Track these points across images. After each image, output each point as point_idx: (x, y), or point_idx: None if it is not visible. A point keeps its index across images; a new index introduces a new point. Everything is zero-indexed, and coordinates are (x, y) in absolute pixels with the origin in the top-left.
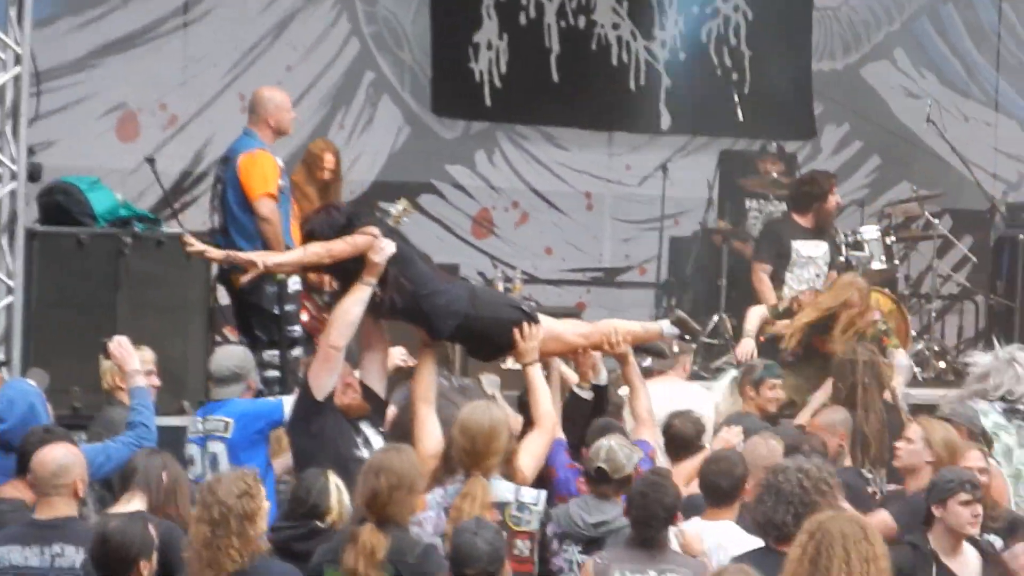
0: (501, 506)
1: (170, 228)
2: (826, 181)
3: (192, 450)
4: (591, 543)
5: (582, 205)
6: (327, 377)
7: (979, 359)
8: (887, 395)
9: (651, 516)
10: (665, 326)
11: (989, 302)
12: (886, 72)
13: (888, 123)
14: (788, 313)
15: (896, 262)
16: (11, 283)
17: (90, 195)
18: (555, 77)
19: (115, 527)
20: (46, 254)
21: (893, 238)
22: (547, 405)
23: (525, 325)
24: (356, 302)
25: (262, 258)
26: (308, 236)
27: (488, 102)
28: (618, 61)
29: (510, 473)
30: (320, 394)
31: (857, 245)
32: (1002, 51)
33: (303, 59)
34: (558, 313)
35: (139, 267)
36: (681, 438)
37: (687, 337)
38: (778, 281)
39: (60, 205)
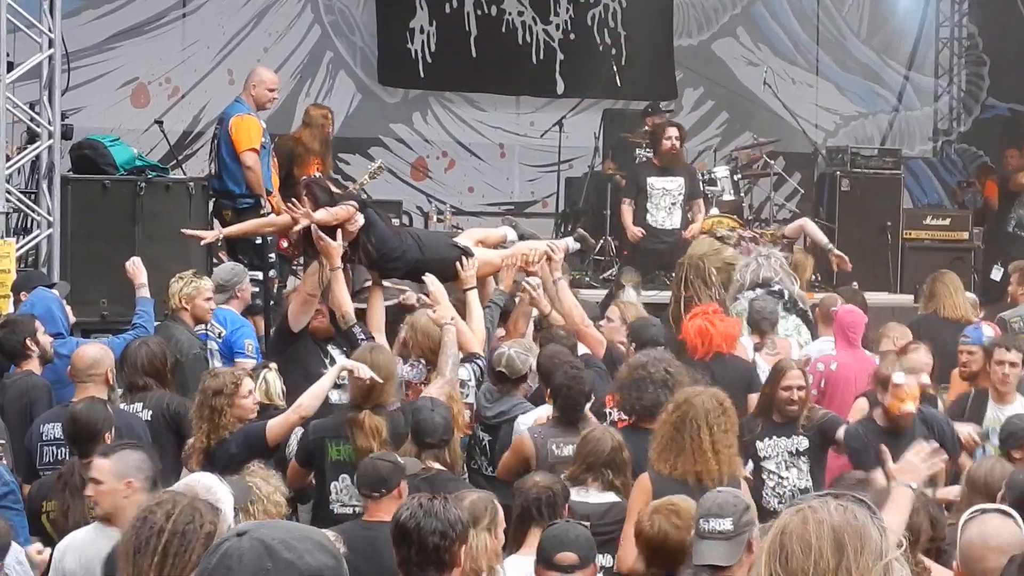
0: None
1: (176, 175)
2: (660, 128)
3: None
4: (491, 428)
5: (497, 154)
6: (303, 316)
7: (739, 264)
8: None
9: (575, 402)
10: (570, 242)
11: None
12: (731, 46)
13: (733, 86)
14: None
15: (742, 195)
16: (51, 219)
17: (112, 149)
18: (474, 54)
19: (80, 408)
20: (77, 196)
21: (739, 176)
22: (480, 324)
23: (464, 259)
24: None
25: (258, 226)
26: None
27: (422, 74)
28: (523, 41)
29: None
30: (295, 327)
31: (711, 181)
32: (820, 29)
33: (276, 42)
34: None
35: (151, 206)
36: None
37: (584, 250)
38: (641, 210)
39: (88, 157)
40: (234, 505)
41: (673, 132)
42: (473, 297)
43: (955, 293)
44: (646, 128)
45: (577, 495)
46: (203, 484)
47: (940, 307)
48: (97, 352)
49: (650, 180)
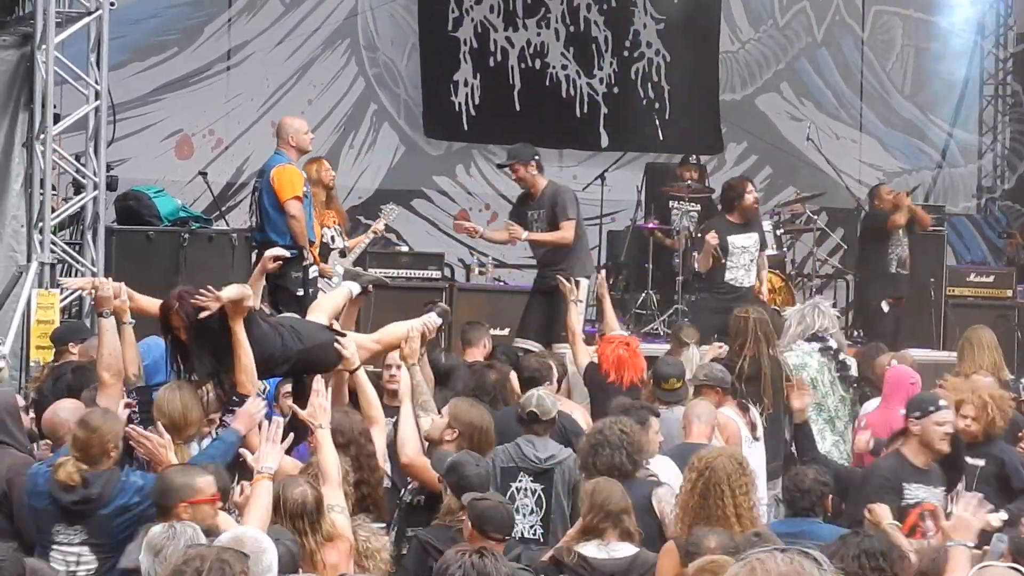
0: None
1: (219, 226)
2: (740, 184)
3: None
4: (542, 474)
5: None
6: None
7: (790, 311)
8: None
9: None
10: (433, 317)
11: (856, 280)
12: (775, 101)
13: (777, 141)
14: None
15: (784, 249)
16: (95, 269)
17: (156, 200)
18: (517, 107)
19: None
20: (121, 247)
21: (782, 230)
22: (376, 402)
23: (339, 339)
24: None
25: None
26: (177, 318)
27: (465, 127)
28: (566, 94)
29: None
30: None
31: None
32: (864, 84)
33: (320, 95)
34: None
35: (195, 257)
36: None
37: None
38: (720, 267)
39: (132, 208)
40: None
41: (753, 187)
42: (361, 376)
43: (982, 351)
44: (688, 182)
45: (597, 550)
46: (250, 536)
47: (965, 368)
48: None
49: (730, 239)
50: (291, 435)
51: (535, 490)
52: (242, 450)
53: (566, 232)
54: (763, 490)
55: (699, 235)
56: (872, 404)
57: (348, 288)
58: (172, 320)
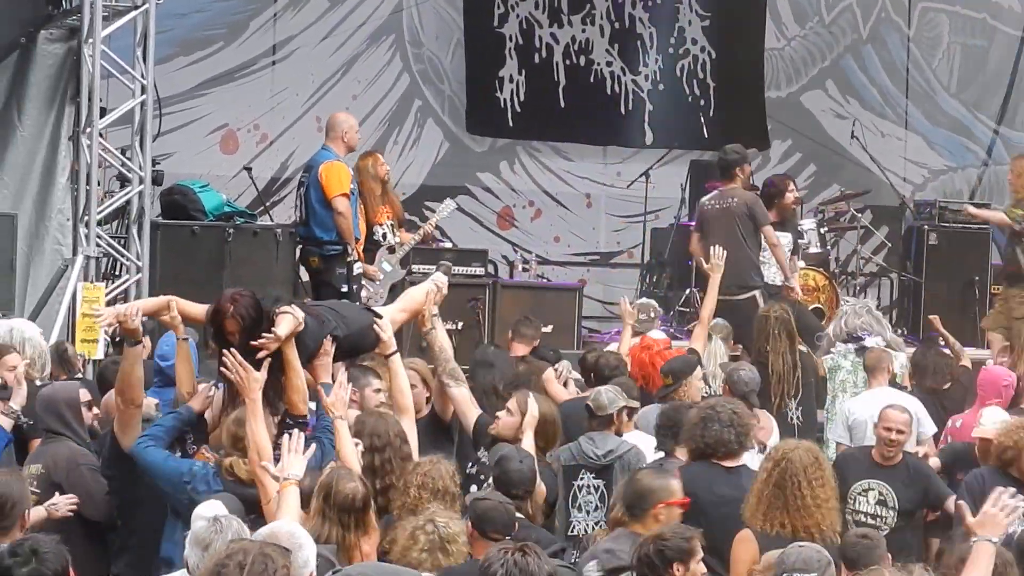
0: None
1: (263, 221)
2: (781, 182)
3: None
4: (603, 470)
5: (583, 203)
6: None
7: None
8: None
9: None
10: (440, 276)
11: (901, 278)
12: (820, 99)
13: (822, 139)
14: None
15: (828, 247)
16: (140, 263)
17: (201, 195)
18: (562, 103)
19: None
20: (167, 241)
21: (826, 228)
22: (407, 390)
23: (378, 321)
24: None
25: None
26: (233, 321)
27: (510, 123)
28: (611, 91)
29: None
30: None
31: (799, 234)
32: (910, 81)
33: (365, 90)
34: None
35: (239, 251)
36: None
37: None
38: None
39: (177, 203)
40: None
41: (795, 187)
42: (397, 362)
43: None
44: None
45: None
46: (286, 531)
47: (1016, 361)
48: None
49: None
50: (312, 445)
51: (597, 486)
52: (265, 463)
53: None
54: None
55: None
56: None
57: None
58: (227, 325)
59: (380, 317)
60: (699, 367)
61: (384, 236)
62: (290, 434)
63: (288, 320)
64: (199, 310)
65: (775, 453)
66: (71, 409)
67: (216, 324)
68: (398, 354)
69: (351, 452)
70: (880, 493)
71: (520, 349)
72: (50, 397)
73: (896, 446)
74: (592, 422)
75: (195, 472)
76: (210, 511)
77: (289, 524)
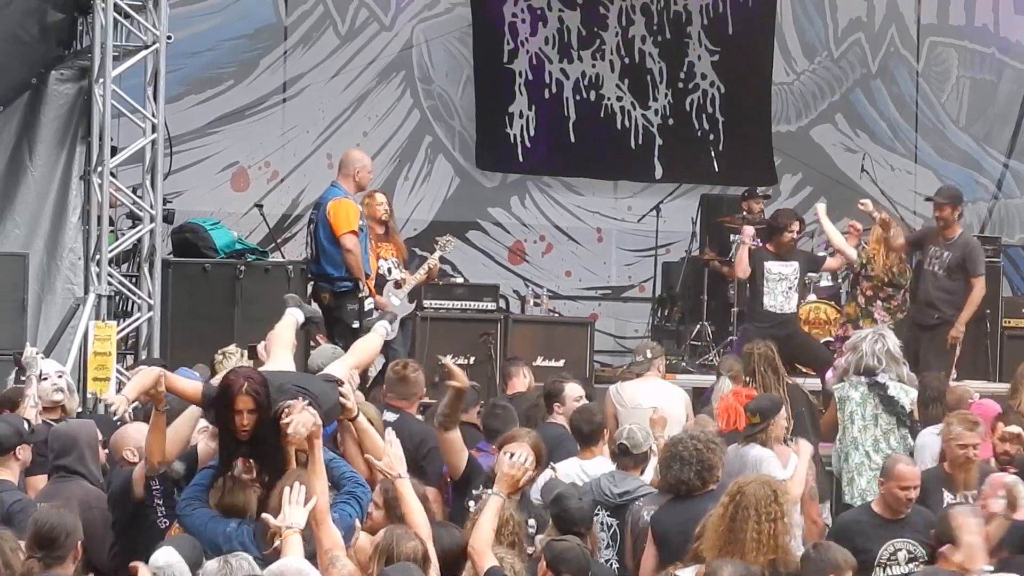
0: None
1: (275, 258)
2: (784, 219)
3: None
4: (618, 508)
5: (594, 238)
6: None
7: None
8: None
9: None
10: (384, 324)
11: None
12: (829, 133)
13: (832, 172)
14: None
15: (840, 281)
16: (151, 301)
17: (212, 233)
18: (572, 138)
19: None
20: (178, 279)
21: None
22: (381, 444)
23: (341, 390)
24: None
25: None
26: (247, 398)
27: (520, 158)
28: (621, 126)
29: None
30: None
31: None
32: (919, 115)
33: (375, 126)
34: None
35: (251, 289)
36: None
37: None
38: (758, 292)
39: (188, 240)
40: None
41: (796, 227)
42: (363, 421)
43: None
44: (744, 213)
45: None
46: (294, 568)
47: (1020, 401)
48: None
49: (767, 264)
50: (314, 498)
51: (611, 524)
52: (265, 515)
53: (980, 288)
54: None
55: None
56: (924, 438)
57: (294, 318)
58: (237, 403)
59: (342, 384)
60: (783, 407)
61: (389, 271)
62: (291, 486)
63: (309, 419)
64: (186, 386)
65: (732, 487)
66: (91, 448)
67: (226, 400)
68: (362, 415)
69: (418, 510)
70: (908, 551)
71: (516, 386)
72: (71, 436)
73: (912, 502)
74: (626, 460)
75: (230, 535)
76: (163, 559)
77: (298, 561)
